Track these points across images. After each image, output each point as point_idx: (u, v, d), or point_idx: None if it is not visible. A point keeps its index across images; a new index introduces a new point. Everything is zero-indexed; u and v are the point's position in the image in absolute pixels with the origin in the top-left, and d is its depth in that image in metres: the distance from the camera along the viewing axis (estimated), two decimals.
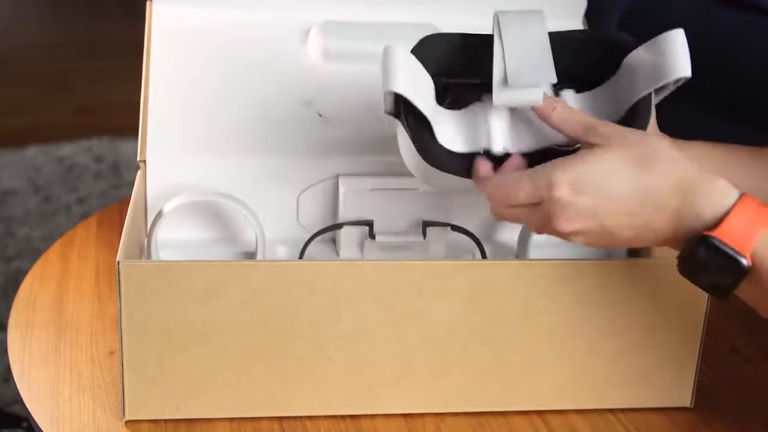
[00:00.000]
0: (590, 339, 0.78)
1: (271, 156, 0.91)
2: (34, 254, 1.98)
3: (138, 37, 0.97)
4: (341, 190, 0.89)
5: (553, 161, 0.68)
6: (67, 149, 2.61)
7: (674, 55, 0.73)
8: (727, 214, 0.64)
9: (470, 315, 0.76)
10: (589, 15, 1.05)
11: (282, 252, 0.91)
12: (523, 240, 0.89)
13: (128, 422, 0.76)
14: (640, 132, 0.69)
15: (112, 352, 0.84)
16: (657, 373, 0.79)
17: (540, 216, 0.68)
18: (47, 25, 3.89)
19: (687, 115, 0.93)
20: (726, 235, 0.64)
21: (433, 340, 0.76)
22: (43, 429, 0.76)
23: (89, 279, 0.96)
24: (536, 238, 0.88)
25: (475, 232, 0.90)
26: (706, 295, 0.78)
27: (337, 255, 0.92)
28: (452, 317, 0.75)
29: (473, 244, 0.89)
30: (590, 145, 0.68)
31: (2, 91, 3.11)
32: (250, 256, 0.90)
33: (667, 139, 0.70)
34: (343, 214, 0.89)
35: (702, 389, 0.81)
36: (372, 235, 0.87)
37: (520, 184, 0.69)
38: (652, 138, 0.68)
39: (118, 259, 0.72)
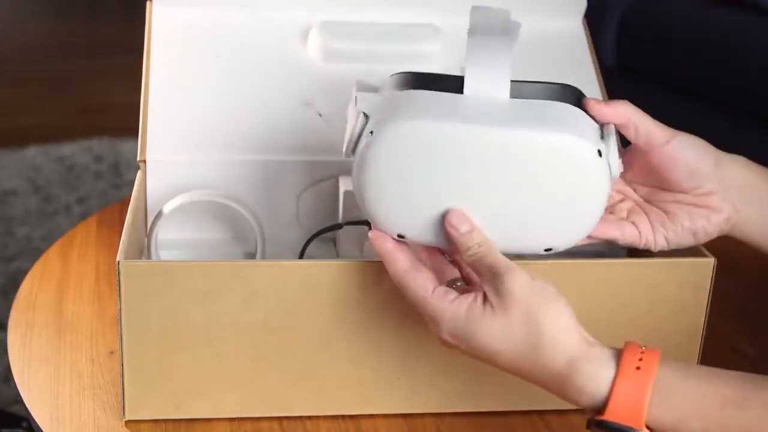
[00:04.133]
0: None
1: (271, 156, 0.92)
2: (34, 254, 1.98)
3: (138, 37, 0.97)
4: (341, 190, 0.89)
5: (446, 300, 0.66)
6: (67, 149, 2.61)
7: None
8: (609, 394, 0.62)
9: None
10: (588, 15, 1.05)
11: (282, 252, 0.91)
12: None
13: (128, 422, 0.76)
14: (531, 298, 0.64)
15: (112, 352, 0.84)
16: None
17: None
18: (47, 25, 3.89)
19: (686, 113, 0.93)
20: (615, 415, 0.62)
21: (433, 340, 0.76)
22: (43, 429, 0.76)
23: (89, 279, 0.96)
24: None
25: None
26: (706, 295, 0.78)
27: (337, 255, 0.92)
28: None
29: None
30: (484, 297, 0.66)
31: (2, 91, 3.11)
32: (250, 256, 0.90)
33: (557, 307, 0.65)
34: (343, 214, 0.89)
35: None
36: None
37: (414, 295, 0.67)
38: (539, 313, 0.64)
39: (118, 259, 0.72)
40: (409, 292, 0.68)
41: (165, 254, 0.88)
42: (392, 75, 0.72)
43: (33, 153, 2.58)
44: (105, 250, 1.01)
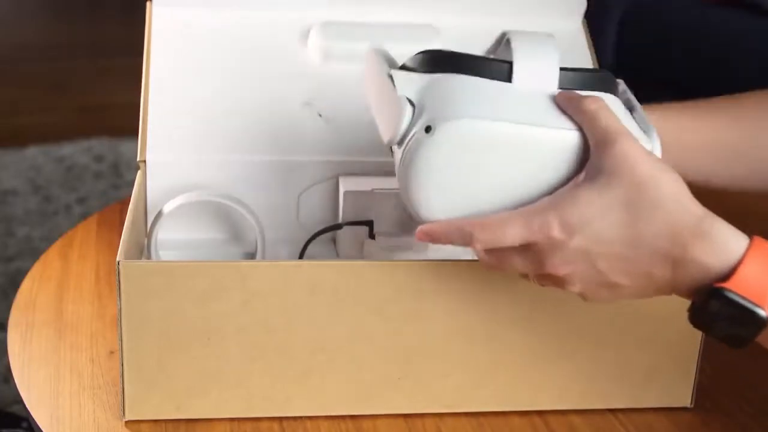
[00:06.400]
0: (590, 339, 0.78)
1: (271, 156, 0.92)
2: (34, 254, 1.98)
3: (138, 37, 0.97)
4: (341, 190, 0.89)
5: (543, 200, 0.65)
6: (67, 149, 2.61)
7: None
8: (738, 263, 0.60)
9: (470, 315, 0.76)
10: (588, 15, 1.05)
11: (282, 252, 0.91)
12: None
13: (128, 422, 0.76)
14: (649, 163, 0.62)
15: (112, 352, 0.84)
16: (657, 373, 0.79)
17: (532, 259, 0.65)
18: (47, 25, 3.89)
19: None
20: (740, 287, 0.60)
21: (433, 340, 0.76)
22: (43, 429, 0.76)
23: (89, 279, 0.96)
24: None
25: None
26: None
27: (337, 255, 0.92)
28: (452, 317, 0.75)
29: None
30: (588, 176, 0.64)
31: (2, 91, 3.11)
32: (250, 256, 0.90)
33: (674, 175, 0.63)
34: (343, 214, 0.89)
35: (702, 389, 0.81)
36: (372, 235, 0.87)
37: (510, 226, 0.64)
38: (658, 176, 0.62)
39: (118, 259, 0.72)
40: (501, 230, 0.64)
41: (165, 254, 0.88)
42: (424, 52, 0.70)
43: (33, 153, 2.58)
44: (105, 250, 1.01)
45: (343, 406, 0.78)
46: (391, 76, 0.69)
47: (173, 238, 0.91)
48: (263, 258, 0.88)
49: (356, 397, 0.77)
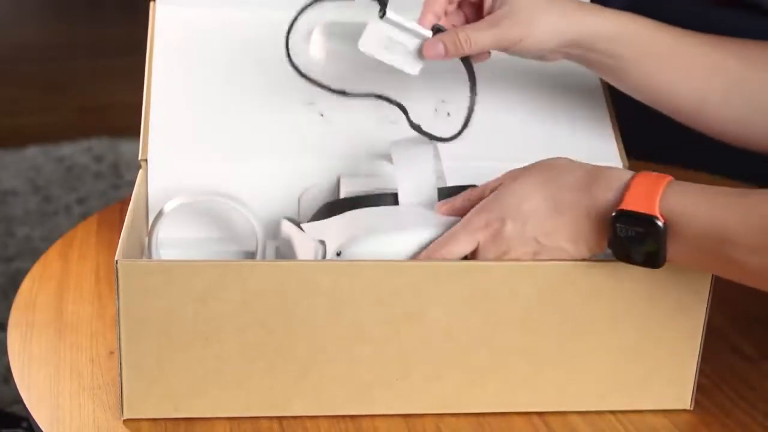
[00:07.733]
0: (590, 340, 0.78)
1: (271, 156, 0.92)
2: (34, 254, 1.98)
3: (138, 37, 0.97)
4: (341, 190, 0.89)
5: (475, 208, 0.76)
6: (67, 149, 2.61)
7: None
8: (627, 188, 0.70)
9: (470, 315, 0.76)
10: None
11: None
12: None
13: (127, 421, 0.76)
14: (543, 160, 0.77)
15: (112, 352, 0.84)
16: (657, 375, 0.79)
17: (487, 255, 0.75)
18: (47, 25, 3.89)
19: None
20: (632, 204, 0.70)
21: (433, 341, 0.76)
22: (42, 429, 0.76)
23: (89, 279, 0.96)
24: None
25: None
26: (707, 295, 0.78)
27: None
28: (452, 317, 0.75)
29: None
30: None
31: (2, 91, 3.11)
32: (250, 256, 0.90)
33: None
34: None
35: (702, 389, 0.81)
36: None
37: (456, 236, 0.76)
38: (552, 159, 0.76)
39: (116, 258, 0.72)
40: (451, 243, 0.75)
41: (166, 253, 0.88)
42: (325, 204, 0.84)
43: (33, 153, 2.58)
44: (105, 250, 1.01)
45: (343, 406, 0.78)
46: (301, 229, 0.83)
47: (174, 237, 0.91)
48: (263, 258, 0.88)
49: (356, 397, 0.77)
